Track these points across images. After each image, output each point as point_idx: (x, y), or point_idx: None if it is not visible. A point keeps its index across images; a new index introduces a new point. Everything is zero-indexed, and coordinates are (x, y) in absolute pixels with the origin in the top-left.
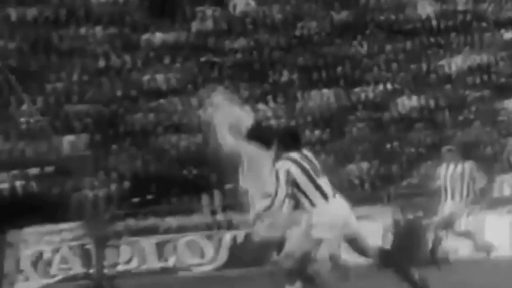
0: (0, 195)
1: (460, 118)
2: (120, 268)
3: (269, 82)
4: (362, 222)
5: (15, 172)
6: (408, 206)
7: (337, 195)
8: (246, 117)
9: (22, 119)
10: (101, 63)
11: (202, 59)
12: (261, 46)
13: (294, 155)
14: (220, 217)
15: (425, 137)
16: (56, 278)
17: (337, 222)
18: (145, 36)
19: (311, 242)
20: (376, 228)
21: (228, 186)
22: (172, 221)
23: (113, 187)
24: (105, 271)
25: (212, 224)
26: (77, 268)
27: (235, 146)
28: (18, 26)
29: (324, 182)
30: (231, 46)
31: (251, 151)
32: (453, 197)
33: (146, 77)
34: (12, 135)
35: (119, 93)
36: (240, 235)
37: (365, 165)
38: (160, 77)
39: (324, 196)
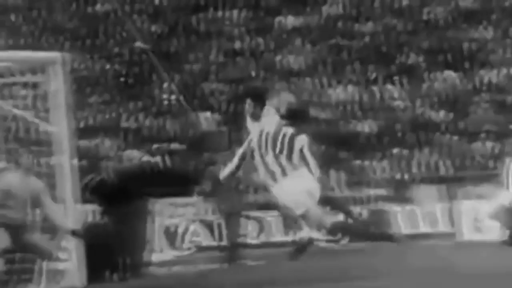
0: (143, 167)
1: None
2: (249, 240)
3: (396, 64)
4: (483, 201)
5: (156, 146)
6: None
7: (290, 173)
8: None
9: (163, 97)
10: (237, 44)
11: (332, 41)
12: (388, 30)
13: (267, 128)
14: (346, 192)
15: None
16: (188, 251)
17: (296, 199)
18: (278, 19)
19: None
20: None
21: (356, 162)
22: None
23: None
24: (236, 243)
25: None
26: (208, 240)
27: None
28: (161, 10)
29: (274, 160)
30: (359, 29)
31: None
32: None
33: (278, 58)
34: (153, 112)
35: (252, 72)
36: (364, 210)
37: (489, 144)
38: (291, 58)
39: (273, 177)
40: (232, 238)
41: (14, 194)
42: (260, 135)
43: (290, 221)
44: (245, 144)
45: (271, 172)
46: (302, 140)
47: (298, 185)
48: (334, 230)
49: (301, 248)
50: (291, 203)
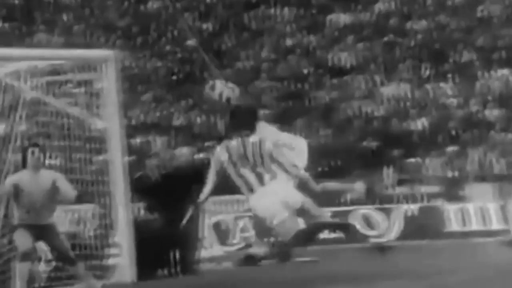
0: (194, 165)
1: None
2: None
3: (449, 62)
4: None
5: (207, 144)
6: None
7: (268, 183)
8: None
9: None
10: (288, 42)
11: (384, 39)
12: (442, 28)
13: (233, 143)
14: (397, 190)
15: None
16: (237, 247)
17: (272, 209)
18: (329, 17)
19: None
20: None
21: (409, 160)
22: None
23: None
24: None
25: (388, 197)
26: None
27: None
28: (212, 7)
29: (250, 172)
30: (412, 27)
31: None
32: None
33: (330, 56)
34: (205, 110)
35: (304, 70)
36: (415, 208)
37: None
38: (343, 56)
39: (249, 188)
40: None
41: (27, 192)
42: (230, 151)
43: (262, 231)
44: (216, 161)
45: (249, 184)
46: (269, 145)
47: (274, 195)
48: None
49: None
50: (267, 213)
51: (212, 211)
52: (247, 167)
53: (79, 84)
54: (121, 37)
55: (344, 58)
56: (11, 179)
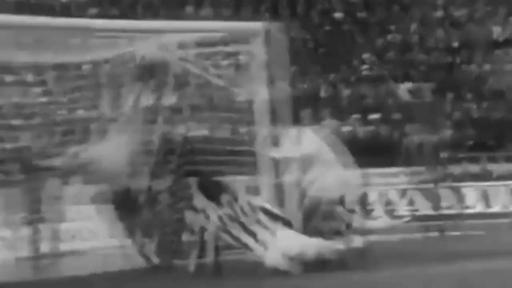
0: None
1: None
2: (464, 211)
3: None
4: None
5: (355, 116)
6: None
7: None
8: None
9: (364, 67)
10: (439, 14)
11: None
12: None
13: (224, 212)
14: None
15: None
16: (404, 219)
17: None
18: None
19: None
20: None
21: None
22: (507, 167)
23: (448, 132)
24: (445, 212)
25: None
26: (424, 209)
27: None
28: None
29: (252, 233)
30: None
31: None
32: None
33: (482, 29)
34: (353, 81)
35: (455, 43)
36: None
37: None
38: (496, 29)
39: (263, 244)
40: (439, 207)
41: (102, 163)
42: (223, 219)
43: None
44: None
45: (249, 245)
46: (249, 197)
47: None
48: None
49: None
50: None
51: (380, 183)
52: (241, 230)
53: (227, 56)
54: (269, 9)
55: (497, 31)
56: (87, 154)
